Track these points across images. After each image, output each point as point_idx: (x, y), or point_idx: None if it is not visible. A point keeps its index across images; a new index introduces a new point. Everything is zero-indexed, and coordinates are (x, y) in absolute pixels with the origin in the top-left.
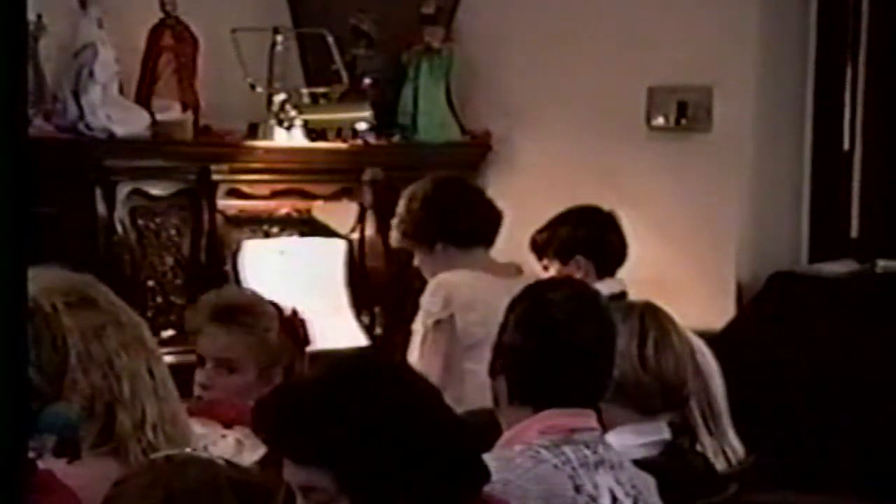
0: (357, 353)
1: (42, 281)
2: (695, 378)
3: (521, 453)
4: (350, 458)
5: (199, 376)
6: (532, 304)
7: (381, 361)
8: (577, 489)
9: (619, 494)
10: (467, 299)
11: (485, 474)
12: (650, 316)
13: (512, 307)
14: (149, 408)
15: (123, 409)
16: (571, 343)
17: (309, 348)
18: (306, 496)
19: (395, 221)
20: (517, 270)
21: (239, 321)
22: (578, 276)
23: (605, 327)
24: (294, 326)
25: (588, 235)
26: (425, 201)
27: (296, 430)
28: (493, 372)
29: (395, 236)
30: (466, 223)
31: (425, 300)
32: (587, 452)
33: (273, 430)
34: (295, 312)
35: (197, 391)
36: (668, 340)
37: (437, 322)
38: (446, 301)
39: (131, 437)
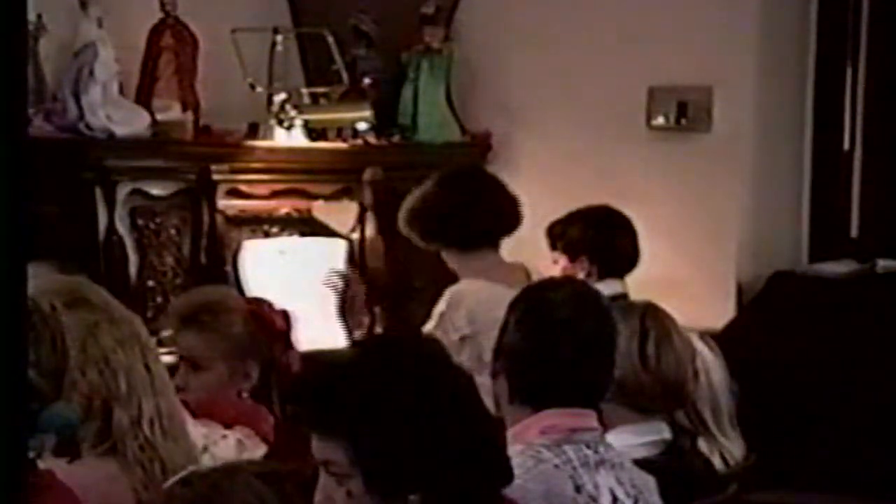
0: (396, 335)
1: (36, 282)
2: (696, 378)
3: (521, 453)
4: (363, 432)
5: (176, 378)
6: (532, 304)
7: (415, 346)
8: (578, 489)
9: (620, 494)
10: (492, 318)
11: (508, 474)
12: (651, 316)
13: (512, 307)
14: (145, 403)
15: (120, 405)
16: (571, 343)
17: (300, 343)
18: (326, 470)
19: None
20: (525, 274)
21: (199, 319)
22: (581, 275)
23: (605, 327)
24: (265, 320)
25: (596, 237)
26: (431, 200)
27: (315, 403)
28: (494, 373)
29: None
30: (469, 225)
31: (446, 313)
32: (588, 452)
33: (299, 402)
34: (269, 305)
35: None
36: (668, 340)
37: (463, 338)
38: (471, 318)
39: (128, 434)
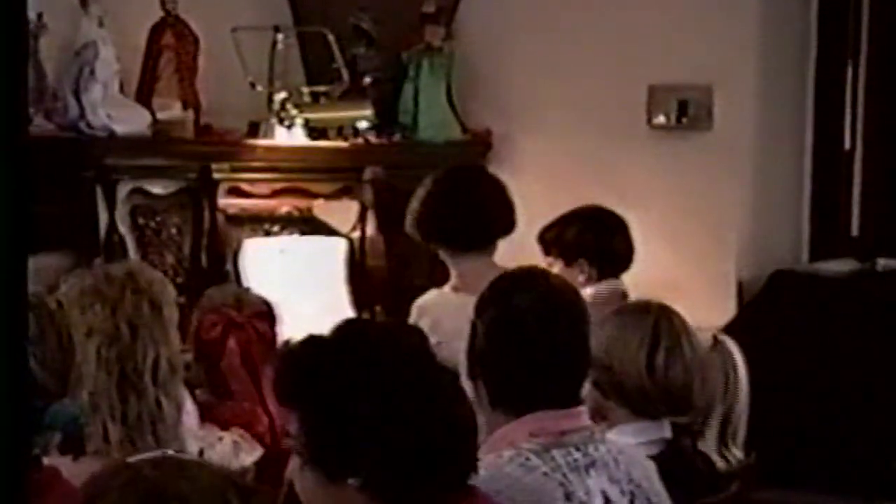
0: (373, 322)
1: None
2: (703, 386)
3: (510, 461)
4: (309, 407)
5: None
6: (500, 312)
7: (385, 334)
8: (568, 497)
9: (614, 494)
10: (454, 326)
11: (467, 470)
12: (664, 322)
13: (479, 311)
14: (147, 407)
15: (124, 406)
16: (546, 349)
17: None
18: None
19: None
20: None
21: None
22: (581, 278)
23: (575, 322)
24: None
25: (595, 239)
26: (427, 200)
27: (278, 373)
28: (472, 376)
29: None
30: (460, 226)
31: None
32: (577, 455)
33: (274, 374)
34: (266, 303)
35: None
36: (678, 350)
37: None
38: (433, 327)
39: (134, 433)
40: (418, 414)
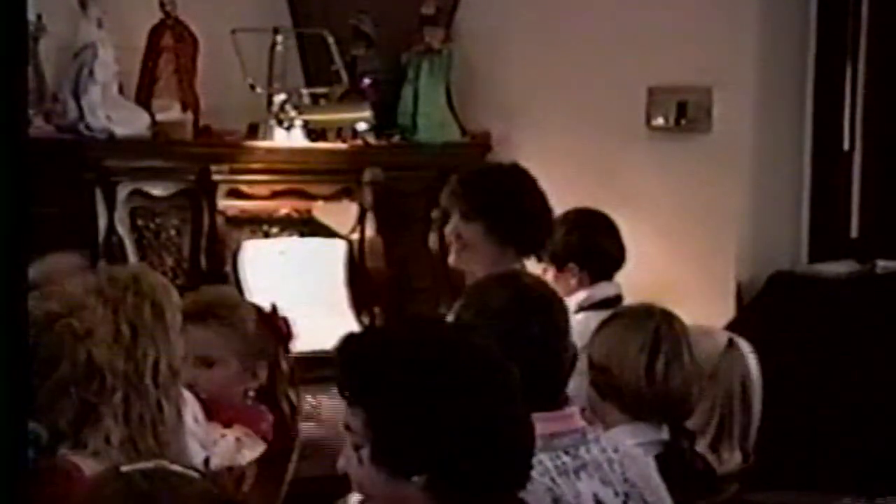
0: (443, 322)
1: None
2: (701, 395)
3: None
4: (377, 403)
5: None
6: (475, 315)
7: (454, 335)
8: (556, 501)
9: (606, 496)
10: None
11: (523, 478)
12: (665, 328)
13: (457, 317)
14: (148, 409)
15: (126, 406)
16: (521, 349)
17: (294, 344)
18: (348, 435)
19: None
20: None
21: (216, 314)
22: (573, 282)
23: (551, 322)
24: (274, 322)
25: (580, 242)
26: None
27: (343, 366)
28: None
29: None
30: (541, 237)
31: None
32: (566, 459)
33: (338, 368)
34: (274, 309)
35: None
36: (679, 358)
37: None
38: None
39: (136, 434)
40: (490, 416)
